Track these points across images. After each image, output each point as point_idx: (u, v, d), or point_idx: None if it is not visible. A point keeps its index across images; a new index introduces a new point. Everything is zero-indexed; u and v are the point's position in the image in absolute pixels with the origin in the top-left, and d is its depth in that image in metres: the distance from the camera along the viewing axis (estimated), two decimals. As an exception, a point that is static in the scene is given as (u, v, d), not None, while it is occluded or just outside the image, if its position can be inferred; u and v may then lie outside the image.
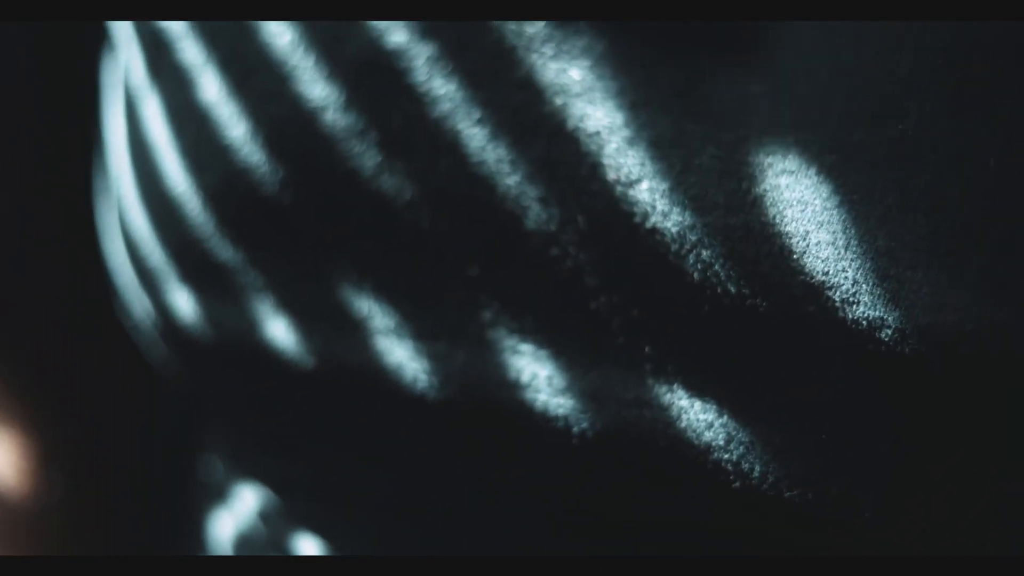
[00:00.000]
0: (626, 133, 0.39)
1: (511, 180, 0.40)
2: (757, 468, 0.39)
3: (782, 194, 0.38)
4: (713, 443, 0.39)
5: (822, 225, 0.37)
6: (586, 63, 0.40)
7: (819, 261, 0.37)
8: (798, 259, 0.37)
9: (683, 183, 0.39)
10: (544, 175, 0.40)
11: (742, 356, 0.39)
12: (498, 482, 0.43)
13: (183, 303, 0.45)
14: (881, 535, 0.39)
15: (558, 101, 0.40)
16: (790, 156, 0.38)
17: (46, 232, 0.59)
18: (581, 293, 0.40)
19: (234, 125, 0.43)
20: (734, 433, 0.39)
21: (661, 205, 0.39)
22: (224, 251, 0.44)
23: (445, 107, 0.41)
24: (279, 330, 0.44)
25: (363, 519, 0.46)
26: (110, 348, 0.58)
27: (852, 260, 0.37)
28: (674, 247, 0.39)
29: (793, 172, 0.38)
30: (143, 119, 0.46)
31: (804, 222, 0.37)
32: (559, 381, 0.41)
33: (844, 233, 0.37)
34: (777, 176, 0.38)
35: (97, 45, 0.54)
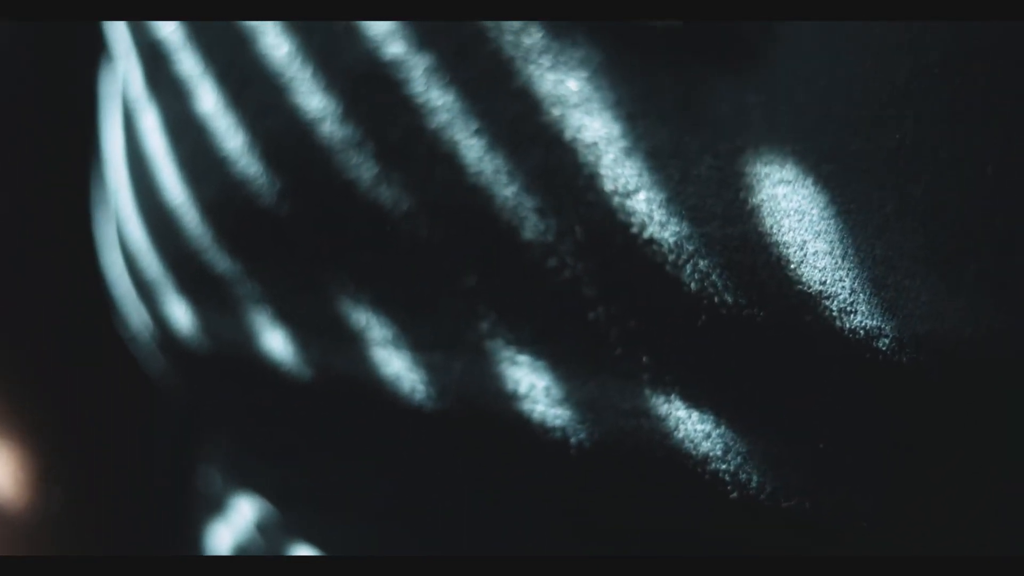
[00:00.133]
0: (624, 144, 0.39)
1: (509, 190, 0.40)
2: (755, 478, 0.39)
3: (779, 204, 0.38)
4: (711, 453, 0.39)
5: (819, 234, 0.37)
6: (584, 74, 0.40)
7: (816, 270, 0.37)
8: (796, 269, 0.37)
9: (681, 193, 0.39)
10: (542, 185, 0.40)
11: (740, 366, 0.38)
12: (496, 492, 0.43)
13: (181, 314, 0.45)
14: (879, 541, 0.39)
15: (556, 112, 0.40)
16: (787, 166, 0.38)
17: (44, 243, 0.59)
18: (579, 303, 0.40)
19: (231, 137, 0.43)
20: (732, 443, 0.39)
21: (659, 215, 0.39)
22: (222, 262, 0.44)
23: (443, 118, 0.41)
24: (277, 341, 0.44)
25: (361, 530, 0.46)
26: (108, 359, 0.58)
27: (850, 269, 0.37)
28: (672, 257, 0.39)
29: (790, 182, 0.38)
30: (141, 131, 0.46)
31: (801, 232, 0.37)
32: (557, 391, 0.41)
33: (841, 242, 0.37)
34: (774, 186, 0.38)
35: (95, 57, 0.54)
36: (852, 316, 0.37)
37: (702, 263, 0.38)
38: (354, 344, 0.43)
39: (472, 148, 0.41)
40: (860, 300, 0.37)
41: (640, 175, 0.39)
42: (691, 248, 0.38)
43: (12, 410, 0.60)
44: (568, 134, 0.40)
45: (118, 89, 0.49)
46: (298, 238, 0.43)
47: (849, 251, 0.37)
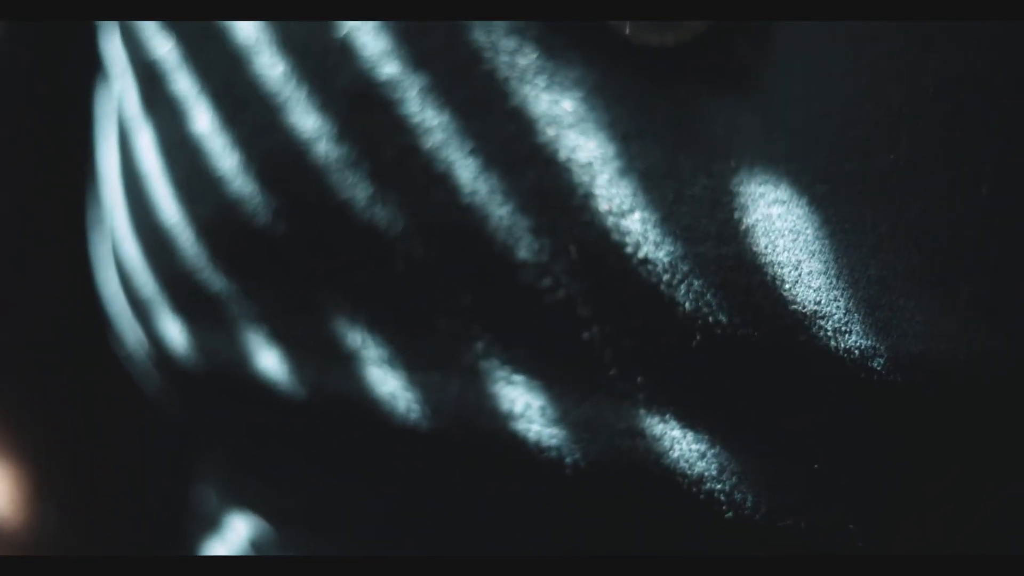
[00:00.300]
0: (618, 164, 0.39)
1: (503, 210, 0.40)
2: (750, 498, 0.39)
3: (774, 224, 0.38)
4: (706, 473, 0.39)
5: (814, 255, 0.37)
6: (578, 94, 0.40)
7: (811, 291, 0.37)
8: (790, 289, 0.37)
9: (675, 213, 0.39)
10: (536, 205, 0.40)
11: (735, 386, 0.39)
12: (492, 512, 0.43)
13: (176, 333, 0.45)
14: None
15: (550, 132, 0.40)
16: (782, 186, 0.38)
17: (40, 261, 0.59)
18: (573, 323, 0.40)
19: (227, 156, 0.43)
20: (727, 463, 0.39)
21: (653, 235, 0.39)
22: (216, 282, 0.44)
23: (438, 138, 0.41)
24: (272, 361, 0.44)
25: (356, 550, 0.46)
26: (104, 378, 0.58)
27: (844, 289, 0.37)
28: (666, 277, 0.39)
29: (785, 202, 0.38)
30: (136, 150, 0.46)
31: (796, 252, 0.37)
32: (552, 411, 0.41)
33: (836, 262, 0.37)
34: (769, 206, 0.38)
35: (91, 76, 0.54)
36: (846, 336, 0.37)
37: (696, 283, 0.38)
38: (349, 364, 0.43)
39: (467, 168, 0.41)
40: (854, 320, 0.37)
41: (635, 195, 0.39)
42: (685, 268, 0.38)
43: (8, 428, 0.60)
44: (563, 154, 0.40)
45: (114, 108, 0.49)
46: (293, 258, 0.43)
47: (843, 271, 0.37)
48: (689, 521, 0.40)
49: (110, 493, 0.62)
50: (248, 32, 0.43)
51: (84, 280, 0.54)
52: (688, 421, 0.39)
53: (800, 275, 0.37)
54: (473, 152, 0.41)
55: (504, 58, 0.41)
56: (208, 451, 0.52)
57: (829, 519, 0.38)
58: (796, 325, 0.37)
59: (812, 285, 0.37)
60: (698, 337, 0.39)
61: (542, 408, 0.41)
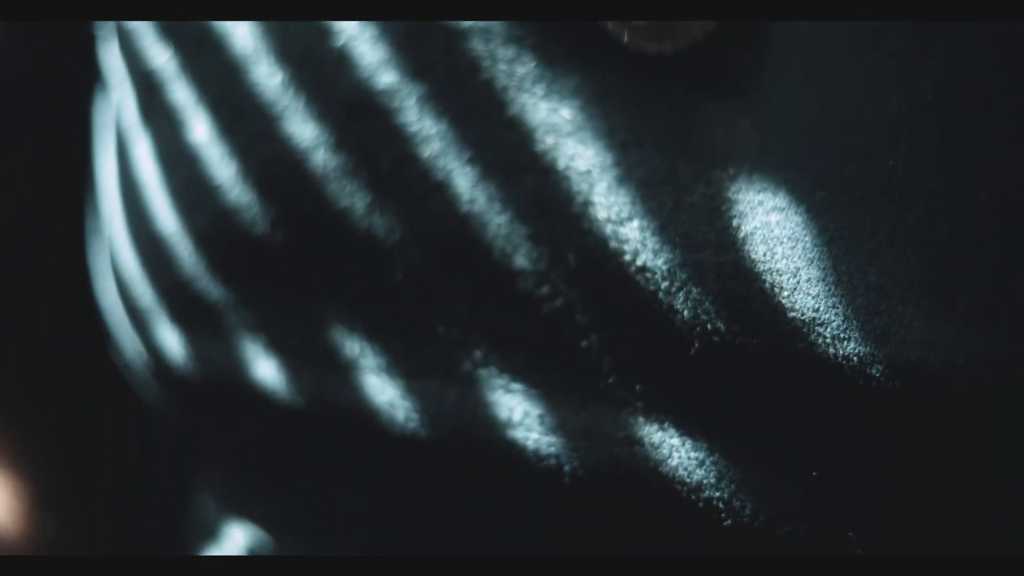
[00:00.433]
0: (616, 172, 0.39)
1: (502, 219, 0.40)
2: (749, 506, 0.39)
3: (772, 231, 0.38)
4: (704, 481, 0.39)
5: (812, 262, 0.37)
6: (577, 102, 0.40)
7: (809, 298, 0.37)
8: (789, 296, 0.37)
9: (673, 221, 0.39)
10: (535, 213, 0.40)
11: (733, 394, 0.39)
12: (490, 520, 0.43)
13: (173, 343, 0.45)
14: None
15: (549, 140, 0.40)
16: (780, 193, 0.38)
17: (38, 271, 0.59)
18: (572, 331, 0.40)
19: (224, 166, 0.43)
20: (725, 471, 0.39)
21: (652, 243, 0.39)
22: (214, 291, 0.44)
23: (436, 146, 0.41)
24: (269, 370, 0.44)
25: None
26: (103, 387, 0.58)
27: (842, 296, 0.37)
28: (665, 285, 0.39)
29: (783, 209, 0.38)
30: (134, 159, 0.46)
31: (794, 259, 0.37)
32: (550, 420, 0.41)
33: (835, 270, 0.37)
34: (767, 213, 0.38)
35: (89, 86, 0.54)
36: (845, 343, 0.37)
37: (695, 291, 0.38)
38: (347, 372, 0.43)
39: (465, 176, 0.41)
40: (853, 327, 0.37)
41: (633, 203, 0.39)
42: (684, 276, 0.38)
43: (7, 438, 0.60)
44: (561, 162, 0.40)
45: (112, 117, 0.49)
46: (291, 267, 0.43)
47: (842, 278, 0.37)
48: (688, 529, 0.40)
49: (109, 502, 0.62)
50: (246, 41, 0.43)
51: (83, 289, 0.54)
52: (687, 429, 0.39)
53: (799, 282, 0.37)
54: (471, 160, 0.41)
55: (502, 67, 0.41)
56: (206, 460, 0.52)
57: (828, 526, 0.38)
58: (795, 332, 0.37)
59: (811, 292, 0.37)
60: (696, 345, 0.39)
61: (540, 416, 0.41)
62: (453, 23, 0.41)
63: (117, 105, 0.49)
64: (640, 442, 0.40)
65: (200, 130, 0.44)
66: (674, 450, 0.39)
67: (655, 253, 0.39)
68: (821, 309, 0.37)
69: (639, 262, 0.39)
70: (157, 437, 0.61)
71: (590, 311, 0.40)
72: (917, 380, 0.36)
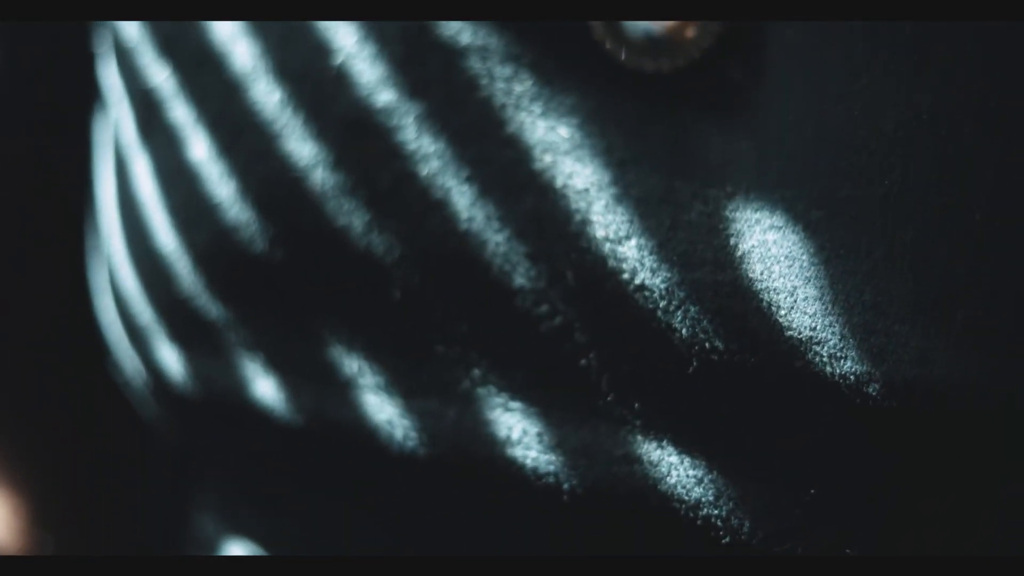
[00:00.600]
0: (614, 190, 0.40)
1: (500, 237, 0.40)
2: (747, 523, 0.39)
3: (770, 250, 0.38)
4: (703, 499, 0.39)
5: (809, 280, 0.37)
6: (574, 121, 0.40)
7: (806, 316, 0.37)
8: (786, 315, 0.37)
9: (671, 240, 0.39)
10: (533, 232, 0.40)
11: (731, 412, 0.39)
12: (489, 539, 0.43)
13: (172, 361, 0.45)
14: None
15: (547, 158, 0.40)
16: (777, 212, 0.38)
17: (38, 288, 0.59)
18: (570, 349, 0.40)
19: (223, 184, 0.43)
20: (724, 489, 0.39)
21: (649, 261, 0.39)
22: (213, 309, 0.44)
23: (434, 165, 0.41)
24: (268, 388, 0.44)
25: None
26: (102, 405, 0.58)
27: (839, 315, 0.37)
28: (663, 303, 0.39)
29: (780, 228, 0.38)
30: (133, 177, 0.46)
31: (792, 278, 0.38)
32: (549, 438, 0.41)
33: (831, 288, 0.37)
34: (765, 232, 0.38)
35: (88, 103, 0.54)
36: (842, 362, 0.37)
37: (693, 309, 0.38)
38: (346, 391, 0.43)
39: (464, 195, 0.41)
40: (850, 346, 0.37)
41: (631, 221, 0.39)
42: (682, 294, 0.38)
43: (5, 456, 0.60)
44: (559, 181, 0.40)
45: (111, 135, 0.49)
46: (290, 285, 0.43)
47: (839, 297, 0.37)
48: (686, 547, 0.40)
49: (108, 519, 0.62)
50: (244, 60, 0.43)
51: (83, 307, 0.54)
52: (685, 447, 0.39)
53: (796, 301, 0.37)
54: (469, 179, 0.41)
55: (500, 85, 0.41)
56: (205, 477, 0.52)
57: (826, 544, 0.38)
58: (792, 351, 0.37)
59: (808, 311, 0.37)
60: (695, 363, 0.39)
61: (539, 434, 0.41)
62: (451, 42, 0.41)
63: (116, 123, 0.49)
64: (639, 460, 0.40)
65: (199, 148, 0.44)
66: (673, 468, 0.39)
67: (653, 271, 0.39)
68: (818, 327, 0.37)
69: (637, 280, 0.39)
70: (156, 454, 0.61)
71: (589, 329, 0.40)
72: (914, 398, 0.36)
